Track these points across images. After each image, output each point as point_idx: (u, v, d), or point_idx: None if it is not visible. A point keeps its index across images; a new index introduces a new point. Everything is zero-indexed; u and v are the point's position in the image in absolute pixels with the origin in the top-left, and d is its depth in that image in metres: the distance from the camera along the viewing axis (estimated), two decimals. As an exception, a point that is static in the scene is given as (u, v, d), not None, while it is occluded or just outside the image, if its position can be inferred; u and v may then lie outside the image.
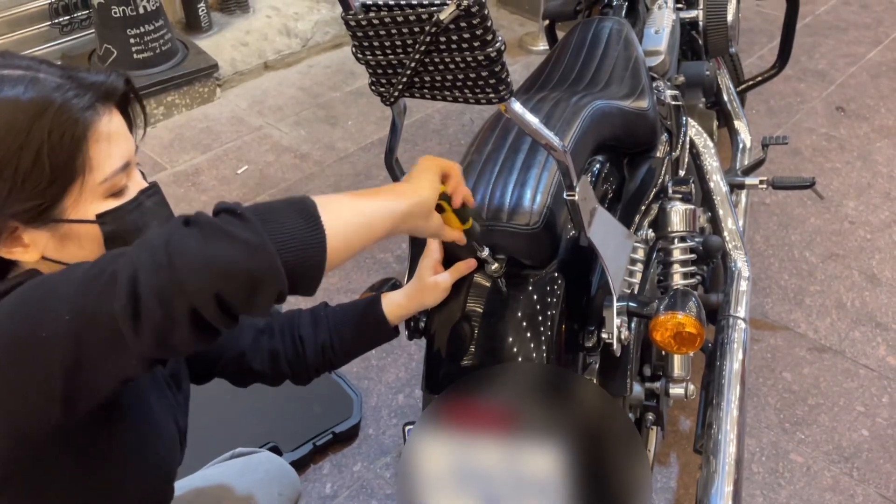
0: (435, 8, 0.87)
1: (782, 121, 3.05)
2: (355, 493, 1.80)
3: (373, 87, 1.02)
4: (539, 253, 1.20)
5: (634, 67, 1.61)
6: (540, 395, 1.12)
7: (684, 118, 1.86)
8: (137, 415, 0.93)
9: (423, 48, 0.91)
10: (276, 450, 1.76)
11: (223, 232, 0.71)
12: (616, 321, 1.19)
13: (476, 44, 0.88)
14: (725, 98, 2.36)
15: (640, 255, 1.42)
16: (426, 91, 0.99)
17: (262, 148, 2.97)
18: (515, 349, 1.17)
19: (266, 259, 0.71)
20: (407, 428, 1.25)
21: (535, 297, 1.19)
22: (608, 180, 1.46)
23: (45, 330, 0.71)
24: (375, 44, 0.95)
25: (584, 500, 0.99)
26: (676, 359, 1.45)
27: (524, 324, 1.18)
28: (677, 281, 1.45)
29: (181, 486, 1.21)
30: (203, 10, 3.35)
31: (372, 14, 0.92)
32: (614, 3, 1.93)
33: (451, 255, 1.18)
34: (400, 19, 0.90)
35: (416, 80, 0.97)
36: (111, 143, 0.83)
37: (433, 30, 0.88)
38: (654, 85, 1.71)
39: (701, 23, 2.16)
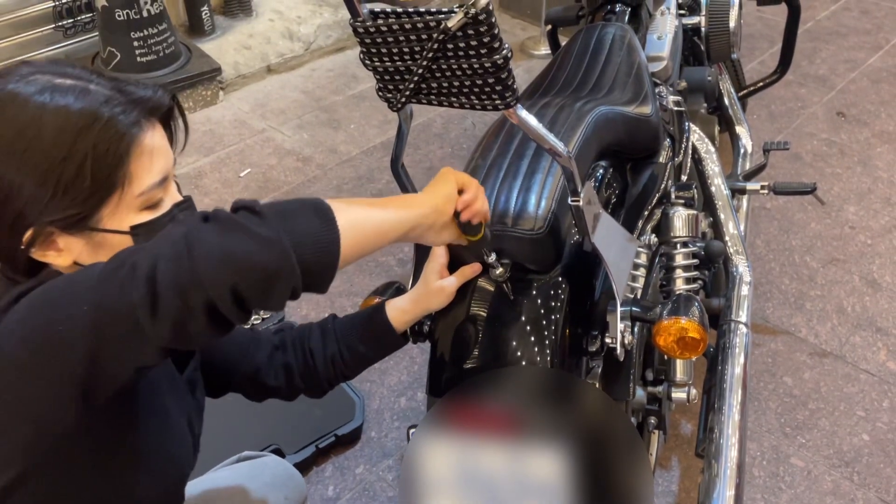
0: (443, 16, 0.88)
1: (783, 126, 3.06)
2: (357, 495, 1.81)
3: (380, 93, 1.03)
4: (543, 258, 1.20)
5: (637, 73, 1.62)
6: (542, 399, 1.12)
7: (686, 123, 1.87)
8: (154, 415, 0.94)
9: (430, 55, 0.92)
10: (278, 452, 1.77)
11: (241, 227, 0.73)
12: (619, 326, 1.20)
13: (483, 51, 0.89)
14: (727, 103, 2.37)
15: (643, 259, 1.42)
16: (433, 97, 1.00)
17: (264, 151, 2.98)
18: (519, 353, 1.18)
19: (281, 254, 0.73)
20: (411, 431, 1.26)
21: (540, 301, 1.20)
22: (611, 186, 1.47)
23: (64, 321, 0.72)
24: (383, 50, 0.96)
25: (586, 504, 1.00)
26: (679, 363, 1.46)
27: (528, 328, 1.18)
28: (680, 286, 1.46)
29: (188, 488, 1.21)
30: (206, 14, 3.36)
31: (380, 21, 0.93)
32: (617, 9, 1.94)
33: (456, 259, 1.19)
34: (408, 26, 0.91)
35: (423, 86, 0.98)
36: (153, 157, 0.85)
37: (441, 37, 0.89)
38: (657, 91, 1.72)
39: (703, 29, 2.18)
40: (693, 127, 1.91)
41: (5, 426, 0.79)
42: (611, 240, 1.17)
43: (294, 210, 0.77)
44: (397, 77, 0.99)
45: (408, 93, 0.99)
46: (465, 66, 0.91)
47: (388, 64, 0.97)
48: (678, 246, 1.47)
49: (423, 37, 0.91)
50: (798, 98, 3.23)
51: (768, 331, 2.19)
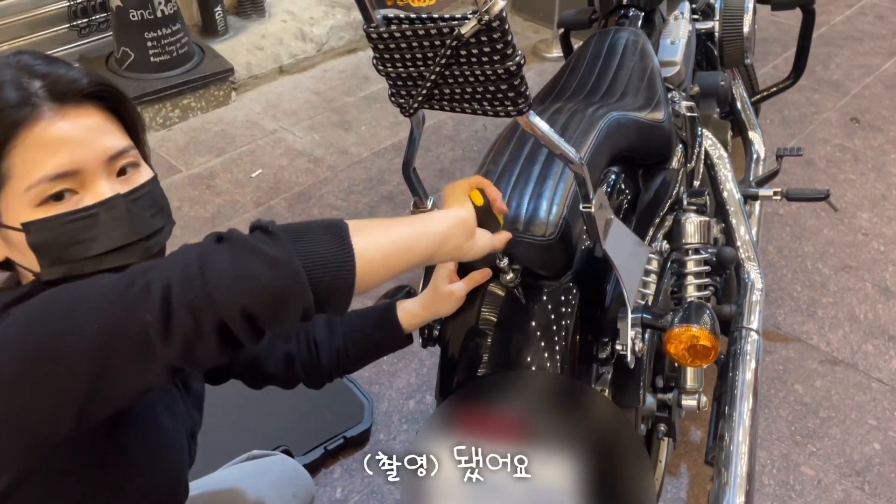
0: (456, 22, 0.88)
1: (796, 131, 3.04)
2: (366, 497, 1.81)
3: (392, 99, 1.03)
4: (554, 263, 1.20)
5: (650, 79, 1.62)
6: (545, 404, 1.12)
7: (699, 129, 1.86)
8: (144, 420, 0.93)
9: (443, 61, 0.92)
10: (287, 453, 1.77)
11: (252, 248, 0.72)
12: (630, 333, 1.20)
13: (496, 57, 0.89)
14: (740, 108, 2.36)
15: (654, 266, 1.42)
16: (445, 103, 1.00)
17: (276, 152, 2.99)
18: (529, 359, 1.17)
19: (291, 275, 0.72)
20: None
21: (550, 307, 1.20)
22: (623, 191, 1.46)
23: (70, 340, 0.71)
24: (396, 56, 0.96)
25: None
26: (689, 370, 1.45)
27: (538, 334, 1.18)
28: (691, 293, 1.45)
29: (197, 486, 1.22)
30: (219, 14, 3.37)
31: (393, 27, 0.93)
32: (630, 14, 1.93)
33: (465, 264, 1.19)
34: (421, 33, 0.91)
35: (436, 92, 0.98)
36: (49, 149, 0.79)
37: (454, 43, 0.89)
38: (670, 96, 1.71)
39: (717, 34, 2.16)
40: (706, 132, 1.90)
41: None
42: (622, 246, 1.16)
43: (308, 230, 0.76)
44: (410, 83, 0.99)
45: (420, 98, 0.99)
46: (477, 72, 0.91)
47: (401, 70, 0.97)
48: (690, 252, 1.46)
49: (437, 43, 0.91)
50: (812, 103, 3.21)
51: (780, 338, 2.18)
